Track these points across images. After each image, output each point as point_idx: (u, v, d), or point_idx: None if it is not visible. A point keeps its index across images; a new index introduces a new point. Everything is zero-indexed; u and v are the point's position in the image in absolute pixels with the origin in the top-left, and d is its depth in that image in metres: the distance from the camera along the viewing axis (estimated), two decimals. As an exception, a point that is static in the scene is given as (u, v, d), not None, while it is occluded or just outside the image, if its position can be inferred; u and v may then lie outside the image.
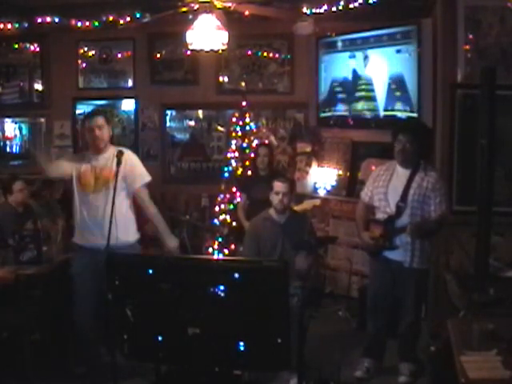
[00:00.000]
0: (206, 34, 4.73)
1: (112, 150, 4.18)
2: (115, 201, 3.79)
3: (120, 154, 3.91)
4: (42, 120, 7.41)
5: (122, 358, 3.05)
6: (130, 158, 4.25)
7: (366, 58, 6.02)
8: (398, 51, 5.70)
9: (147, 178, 4.31)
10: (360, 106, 6.14)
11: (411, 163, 4.11)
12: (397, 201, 4.07)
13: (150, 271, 2.80)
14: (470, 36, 4.88)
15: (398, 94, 5.75)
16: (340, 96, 6.36)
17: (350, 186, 6.24)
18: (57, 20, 6.18)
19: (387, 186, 4.17)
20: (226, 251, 5.90)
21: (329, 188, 6.35)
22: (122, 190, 4.12)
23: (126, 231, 4.13)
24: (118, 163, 3.87)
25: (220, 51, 5.02)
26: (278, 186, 4.38)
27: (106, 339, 3.88)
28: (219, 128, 7.11)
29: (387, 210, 4.12)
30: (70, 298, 4.20)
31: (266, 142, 6.37)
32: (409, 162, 4.11)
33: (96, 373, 4.08)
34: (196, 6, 4.74)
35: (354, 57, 6.15)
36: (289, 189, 4.41)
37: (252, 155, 5.97)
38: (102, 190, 4.10)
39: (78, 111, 7.37)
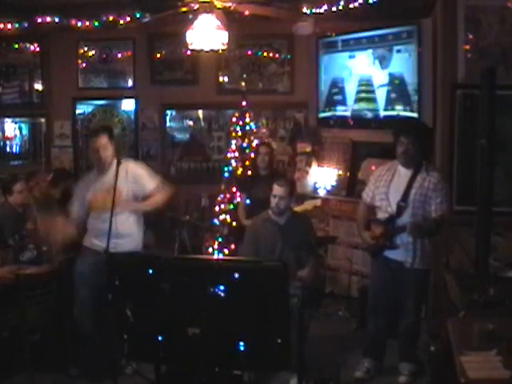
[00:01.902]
0: (206, 34, 4.73)
1: (114, 169, 4.16)
2: (121, 217, 4.07)
3: (118, 164, 3.90)
4: (42, 120, 7.41)
5: (122, 358, 3.05)
6: (131, 169, 4.31)
7: (365, 58, 6.02)
8: (398, 51, 5.70)
9: (154, 183, 4.36)
10: (360, 106, 6.14)
11: (413, 164, 4.11)
12: (398, 200, 4.08)
13: (150, 271, 2.80)
14: (470, 36, 4.87)
15: (397, 93, 5.74)
16: (340, 96, 6.36)
17: (350, 185, 6.24)
18: (57, 20, 6.17)
19: (389, 185, 4.17)
20: (226, 251, 5.90)
21: (329, 188, 6.35)
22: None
23: (129, 245, 4.24)
24: (117, 173, 3.88)
25: (220, 51, 5.02)
26: (276, 189, 4.37)
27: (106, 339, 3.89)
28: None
29: (388, 209, 4.13)
30: (72, 297, 4.22)
31: (266, 141, 6.38)
32: (411, 163, 4.12)
33: (96, 373, 4.08)
34: (196, 6, 4.74)
35: (353, 57, 6.15)
36: (287, 192, 4.39)
37: (252, 155, 5.97)
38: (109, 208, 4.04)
39: (77, 111, 7.37)
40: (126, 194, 4.23)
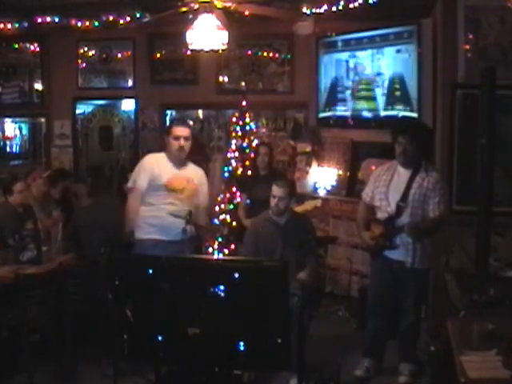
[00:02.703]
0: (206, 34, 4.73)
1: (192, 166, 4.50)
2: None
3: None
4: (42, 120, 7.42)
5: (122, 358, 3.05)
6: (204, 179, 4.61)
7: (365, 57, 6.02)
8: (398, 51, 5.70)
9: (206, 202, 4.63)
10: (360, 105, 6.14)
11: (412, 164, 4.11)
12: (397, 200, 4.08)
13: (150, 271, 2.80)
14: (470, 36, 4.87)
15: (397, 93, 5.74)
16: (340, 96, 6.36)
17: (350, 185, 6.24)
18: (57, 20, 6.18)
19: (388, 185, 4.17)
20: (226, 251, 5.90)
21: (329, 188, 6.35)
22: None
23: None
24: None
25: (220, 51, 5.02)
26: (275, 190, 4.36)
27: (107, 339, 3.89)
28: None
29: (388, 209, 4.13)
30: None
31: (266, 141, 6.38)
32: (410, 163, 4.11)
33: (96, 373, 4.08)
34: (196, 6, 4.74)
35: (353, 57, 6.15)
36: (286, 193, 4.38)
37: (252, 155, 5.97)
38: (186, 197, 4.32)
39: (77, 111, 7.38)
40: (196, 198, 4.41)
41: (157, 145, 7.22)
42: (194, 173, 4.49)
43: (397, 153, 4.12)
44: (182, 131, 4.36)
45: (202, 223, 4.49)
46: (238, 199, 5.91)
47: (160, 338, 2.81)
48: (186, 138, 4.34)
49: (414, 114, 5.54)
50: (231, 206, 5.99)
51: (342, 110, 6.35)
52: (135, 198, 4.36)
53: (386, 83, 5.84)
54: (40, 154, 7.47)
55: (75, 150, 7.31)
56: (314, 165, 6.49)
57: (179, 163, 4.40)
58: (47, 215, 5.07)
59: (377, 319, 4.32)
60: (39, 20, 6.18)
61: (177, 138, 4.32)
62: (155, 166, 4.35)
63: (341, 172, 6.35)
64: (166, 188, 4.28)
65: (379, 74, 5.90)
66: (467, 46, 4.88)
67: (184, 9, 4.87)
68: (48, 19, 6.17)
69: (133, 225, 4.34)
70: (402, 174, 4.14)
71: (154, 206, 4.30)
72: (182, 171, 4.39)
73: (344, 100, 6.31)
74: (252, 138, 6.21)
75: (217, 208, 6.12)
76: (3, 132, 7.54)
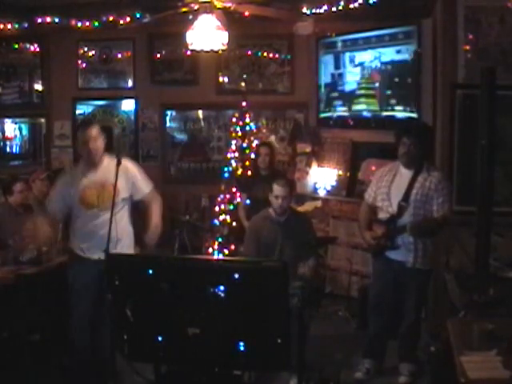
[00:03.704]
0: (206, 34, 4.73)
1: (108, 161, 4.06)
2: (118, 217, 3.78)
3: (119, 163, 3.67)
4: (42, 120, 7.42)
5: (122, 358, 3.04)
6: (131, 170, 4.13)
7: (365, 58, 6.02)
8: (398, 51, 5.70)
9: (149, 186, 4.22)
10: (360, 106, 6.14)
11: (414, 164, 4.12)
12: (399, 201, 4.08)
13: (150, 271, 2.80)
14: (470, 36, 4.87)
15: (398, 94, 5.74)
16: (340, 96, 6.36)
17: (350, 186, 6.24)
18: (57, 20, 6.18)
19: (390, 186, 4.17)
20: (226, 251, 5.90)
21: (329, 188, 6.35)
22: (125, 204, 4.08)
23: (127, 247, 4.09)
24: (117, 175, 3.61)
25: (220, 51, 5.02)
26: (277, 189, 4.37)
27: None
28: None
29: (390, 209, 4.13)
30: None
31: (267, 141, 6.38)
32: (412, 164, 4.12)
33: (96, 372, 4.08)
34: (196, 6, 4.74)
35: (353, 57, 6.15)
36: (288, 191, 4.41)
37: (252, 155, 5.97)
38: (107, 207, 3.77)
39: (77, 111, 7.37)
40: (123, 195, 4.04)
41: (157, 145, 7.25)
42: (109, 171, 3.91)
43: (400, 153, 4.13)
44: (88, 134, 3.99)
45: (155, 220, 4.13)
46: (238, 199, 5.92)
47: (160, 338, 2.81)
48: (94, 139, 3.99)
49: (414, 114, 5.55)
50: (231, 206, 5.99)
51: (341, 110, 6.35)
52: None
53: (386, 83, 5.84)
54: (40, 154, 7.46)
55: (75, 151, 7.29)
56: (314, 165, 6.49)
57: (94, 165, 4.04)
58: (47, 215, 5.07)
59: (378, 319, 4.32)
60: (39, 20, 6.17)
61: (85, 142, 3.98)
62: (70, 183, 4.05)
63: (341, 172, 6.35)
64: (81, 202, 3.98)
65: (379, 74, 5.90)
66: (467, 47, 4.89)
67: (184, 9, 4.87)
68: (48, 19, 6.17)
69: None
70: (404, 174, 4.15)
71: (80, 220, 4.04)
72: (95, 176, 4.02)
73: (344, 100, 6.32)
74: (252, 138, 6.21)
75: (217, 208, 6.13)
76: (3, 132, 7.54)
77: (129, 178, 4.09)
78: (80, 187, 3.99)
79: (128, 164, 4.14)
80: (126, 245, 4.06)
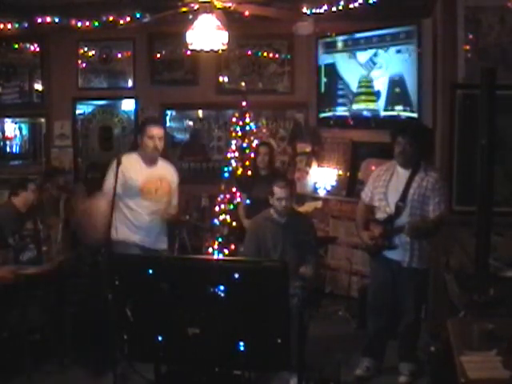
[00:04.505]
0: (206, 34, 4.72)
1: (162, 164, 4.47)
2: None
3: (118, 163, 3.94)
4: (42, 120, 7.41)
5: (122, 358, 3.05)
6: (175, 177, 4.58)
7: (365, 58, 6.02)
8: (398, 51, 5.70)
9: (176, 199, 4.60)
10: (360, 105, 6.14)
11: (411, 164, 4.11)
12: (396, 201, 4.08)
13: (150, 271, 2.80)
14: (470, 36, 4.87)
15: (397, 93, 5.75)
16: (340, 96, 6.36)
17: (350, 186, 6.24)
18: (57, 20, 6.18)
19: (387, 186, 4.17)
20: (226, 251, 5.90)
21: (329, 188, 6.35)
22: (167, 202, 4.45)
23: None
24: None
25: (220, 51, 5.01)
26: (278, 191, 4.37)
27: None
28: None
29: (387, 209, 4.13)
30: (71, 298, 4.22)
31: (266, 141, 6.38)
32: (409, 163, 4.12)
33: (96, 373, 4.08)
34: (196, 6, 4.73)
35: (353, 57, 6.15)
36: (289, 192, 4.41)
37: (252, 155, 5.97)
38: (161, 200, 4.37)
39: (78, 111, 7.37)
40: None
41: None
42: (166, 170, 4.51)
43: (396, 153, 4.13)
44: (156, 131, 4.38)
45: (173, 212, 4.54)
46: (238, 199, 5.92)
47: (160, 338, 2.81)
48: (160, 139, 4.37)
49: (414, 114, 5.54)
50: (231, 206, 5.99)
51: (341, 110, 6.35)
52: (107, 201, 4.18)
53: (386, 83, 5.84)
54: (40, 154, 7.46)
55: (75, 150, 7.30)
56: (314, 165, 6.49)
57: (151, 162, 4.41)
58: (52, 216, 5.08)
59: (377, 319, 4.33)
60: (39, 20, 6.17)
61: (151, 137, 4.33)
62: (128, 168, 4.28)
63: (341, 172, 6.35)
64: (141, 191, 4.31)
65: (379, 74, 5.90)
66: (467, 47, 4.89)
67: (184, 9, 4.87)
68: (48, 19, 6.17)
69: (102, 229, 4.15)
70: (401, 174, 4.15)
71: (131, 209, 4.32)
72: (154, 170, 4.41)
73: (344, 100, 6.32)
74: (252, 138, 6.21)
75: (217, 208, 6.13)
76: (3, 132, 7.53)
77: (174, 179, 4.55)
78: (143, 176, 4.34)
79: (176, 174, 4.61)
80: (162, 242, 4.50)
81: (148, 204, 4.32)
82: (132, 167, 4.32)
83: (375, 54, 5.92)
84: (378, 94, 5.94)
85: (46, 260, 4.42)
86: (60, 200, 5.38)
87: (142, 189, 4.30)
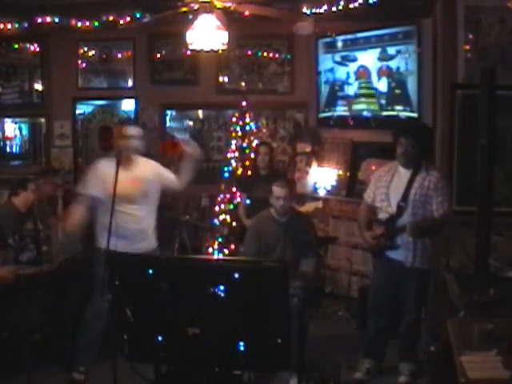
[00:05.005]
0: (206, 34, 4.72)
1: (141, 160, 4.26)
2: (153, 212, 4.23)
3: (118, 163, 3.87)
4: (42, 120, 7.41)
5: (122, 358, 3.04)
6: (155, 166, 4.36)
7: (365, 57, 6.02)
8: (398, 51, 5.70)
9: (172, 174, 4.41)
10: (360, 105, 6.14)
11: (413, 164, 4.12)
12: (398, 201, 4.08)
13: (150, 271, 2.80)
14: (470, 36, 4.88)
15: (398, 93, 5.75)
16: (340, 96, 6.36)
17: (350, 186, 6.24)
18: (57, 20, 6.18)
19: (389, 186, 4.18)
20: (226, 251, 5.90)
21: (329, 188, 6.35)
22: (155, 201, 4.30)
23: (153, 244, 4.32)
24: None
25: (220, 51, 5.02)
26: (278, 191, 4.37)
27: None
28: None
29: (389, 209, 4.13)
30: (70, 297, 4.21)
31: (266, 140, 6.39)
32: (411, 164, 4.12)
33: (96, 373, 4.08)
34: (196, 6, 4.74)
35: (353, 57, 6.15)
36: (288, 191, 4.41)
37: (252, 155, 5.97)
38: (143, 201, 4.17)
39: (78, 111, 7.37)
40: (156, 187, 4.26)
41: (157, 145, 7.24)
42: (142, 169, 4.22)
43: (398, 153, 4.13)
44: (135, 131, 4.19)
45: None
46: (238, 199, 5.92)
47: (160, 338, 2.81)
48: (138, 138, 4.18)
49: (414, 114, 5.55)
50: (231, 206, 5.99)
51: (342, 110, 6.35)
52: (84, 204, 4.13)
53: (386, 83, 5.84)
54: (40, 154, 7.46)
55: (75, 150, 7.30)
56: (314, 165, 6.49)
57: (128, 164, 4.14)
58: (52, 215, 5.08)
59: (378, 319, 4.33)
60: (39, 20, 6.17)
61: (130, 137, 4.14)
62: (105, 173, 4.08)
63: (341, 172, 6.35)
64: (120, 195, 3.94)
65: (379, 74, 5.90)
66: (467, 46, 4.89)
67: (184, 9, 4.87)
68: (48, 19, 6.17)
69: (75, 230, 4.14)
70: (403, 174, 4.15)
71: (114, 215, 3.91)
72: (131, 173, 4.14)
73: (344, 100, 6.31)
74: (252, 138, 6.21)
75: (217, 208, 6.13)
76: (3, 132, 7.53)
77: (154, 170, 4.31)
78: (119, 181, 3.96)
79: (151, 161, 4.37)
80: (150, 244, 4.28)
81: (130, 207, 4.10)
82: (108, 172, 4.05)
83: (375, 54, 5.91)
84: (377, 94, 5.94)
85: (45, 260, 4.42)
86: (58, 200, 5.38)
87: (120, 193, 3.94)
